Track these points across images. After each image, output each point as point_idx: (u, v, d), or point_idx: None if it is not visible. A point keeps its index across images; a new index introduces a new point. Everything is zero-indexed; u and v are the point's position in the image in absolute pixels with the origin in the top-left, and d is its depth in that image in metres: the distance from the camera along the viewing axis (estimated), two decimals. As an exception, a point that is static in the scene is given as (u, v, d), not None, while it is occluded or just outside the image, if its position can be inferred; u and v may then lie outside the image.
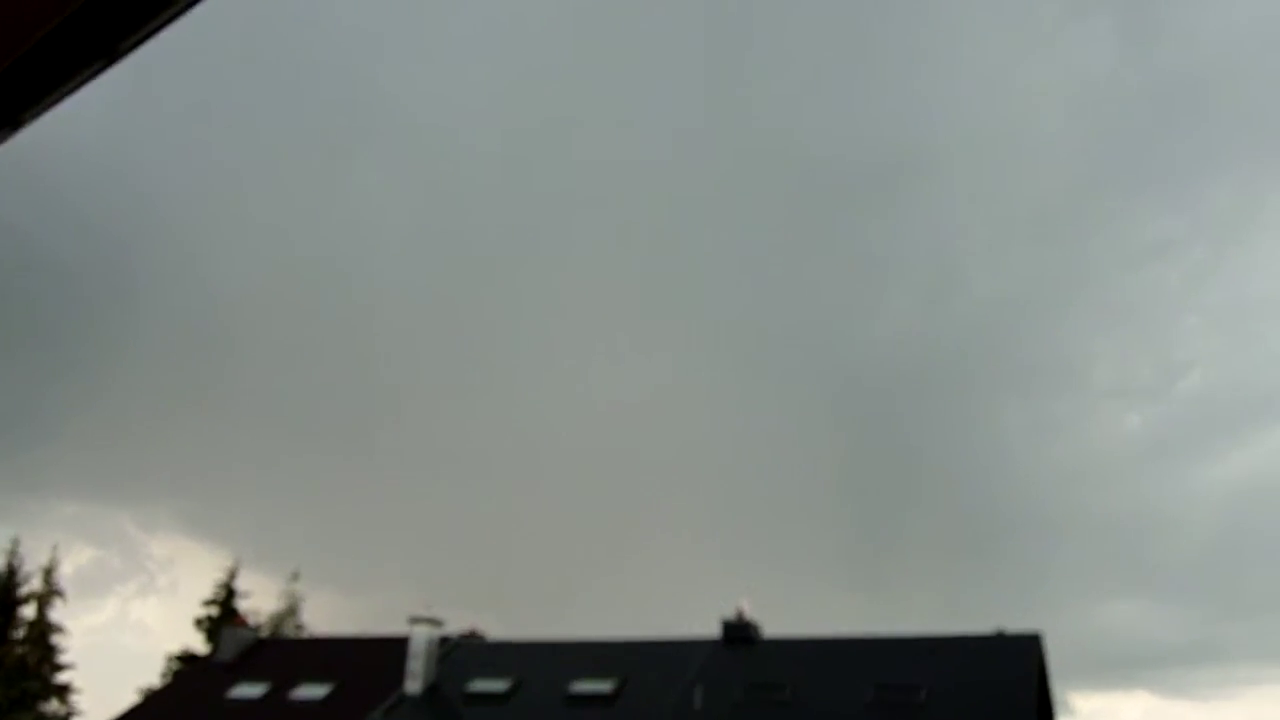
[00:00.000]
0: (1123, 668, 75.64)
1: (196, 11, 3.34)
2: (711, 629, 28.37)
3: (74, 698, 40.29)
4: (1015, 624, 25.62)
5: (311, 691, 28.88)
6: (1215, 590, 71.75)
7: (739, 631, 28.04)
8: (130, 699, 33.58)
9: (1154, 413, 75.25)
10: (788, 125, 71.30)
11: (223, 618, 39.04)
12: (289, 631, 41.75)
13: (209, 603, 41.68)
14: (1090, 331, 74.80)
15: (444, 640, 30.08)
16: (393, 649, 30.07)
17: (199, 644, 40.41)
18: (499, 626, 33.00)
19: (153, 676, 39.95)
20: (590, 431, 67.05)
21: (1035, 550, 69.70)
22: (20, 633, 40.18)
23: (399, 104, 68.20)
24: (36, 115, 3.63)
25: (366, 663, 30.14)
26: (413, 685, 28.30)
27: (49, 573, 41.30)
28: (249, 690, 29.51)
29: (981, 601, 64.68)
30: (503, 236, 69.43)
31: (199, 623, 41.16)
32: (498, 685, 27.63)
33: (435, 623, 29.48)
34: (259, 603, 42.72)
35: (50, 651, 40.30)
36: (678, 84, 70.64)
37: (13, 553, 40.87)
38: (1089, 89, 70.89)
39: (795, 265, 72.89)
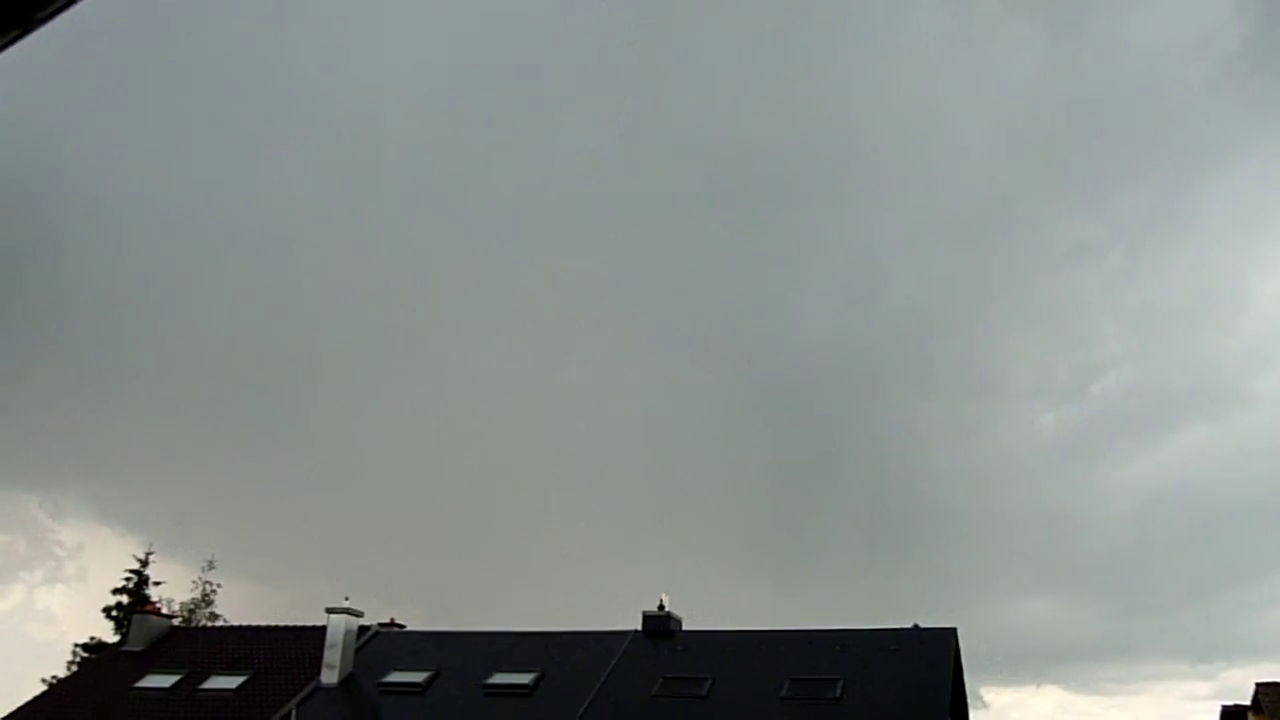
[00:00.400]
0: (1034, 663, 77.56)
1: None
2: (632, 622, 28.51)
3: (-25, 687, 39.11)
4: (931, 619, 26.11)
5: (225, 682, 28.37)
6: (1124, 588, 73.92)
7: (658, 624, 28.18)
8: (35, 689, 32.68)
9: (1069, 414, 77.25)
10: (716, 121, 71.77)
11: (133, 606, 38.13)
12: (203, 621, 40.97)
13: (119, 591, 40.68)
14: (1008, 333, 76.54)
15: (362, 630, 29.79)
16: (309, 639, 29.69)
17: (108, 633, 39.46)
18: (419, 618, 32.83)
19: (59, 666, 38.96)
20: (514, 426, 66.85)
21: (951, 547, 71.12)
22: (-81, 620, 38.88)
23: (327, 89, 67.27)
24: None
25: (282, 653, 29.71)
26: (329, 676, 27.98)
27: (-49, 558, 40.03)
28: (159, 680, 28.88)
29: (898, 597, 65.92)
30: (427, 229, 68.86)
31: (108, 611, 40.16)
32: (415, 676, 27.41)
33: (353, 613, 29.19)
34: (172, 592, 41.84)
35: (-49, 639, 39.09)
36: (605, 78, 70.65)
37: (-88, 537, 39.55)
38: (1014, 93, 72.46)
39: (721, 261, 73.46)
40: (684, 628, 28.52)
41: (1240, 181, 73.56)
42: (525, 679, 26.35)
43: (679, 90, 71.79)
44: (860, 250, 74.78)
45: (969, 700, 26.63)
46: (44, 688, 33.09)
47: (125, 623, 36.83)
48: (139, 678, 29.20)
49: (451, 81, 68.95)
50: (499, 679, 26.61)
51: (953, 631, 25.49)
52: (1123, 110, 75.37)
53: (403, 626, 31.37)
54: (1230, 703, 26.41)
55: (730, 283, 73.46)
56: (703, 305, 72.61)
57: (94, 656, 37.23)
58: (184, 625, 37.25)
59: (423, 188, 69.06)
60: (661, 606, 28.47)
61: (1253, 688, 25.07)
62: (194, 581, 42.63)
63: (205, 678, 28.74)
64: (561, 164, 70.31)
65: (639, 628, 28.27)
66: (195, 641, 31.94)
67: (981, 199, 74.22)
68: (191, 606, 41.81)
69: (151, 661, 30.13)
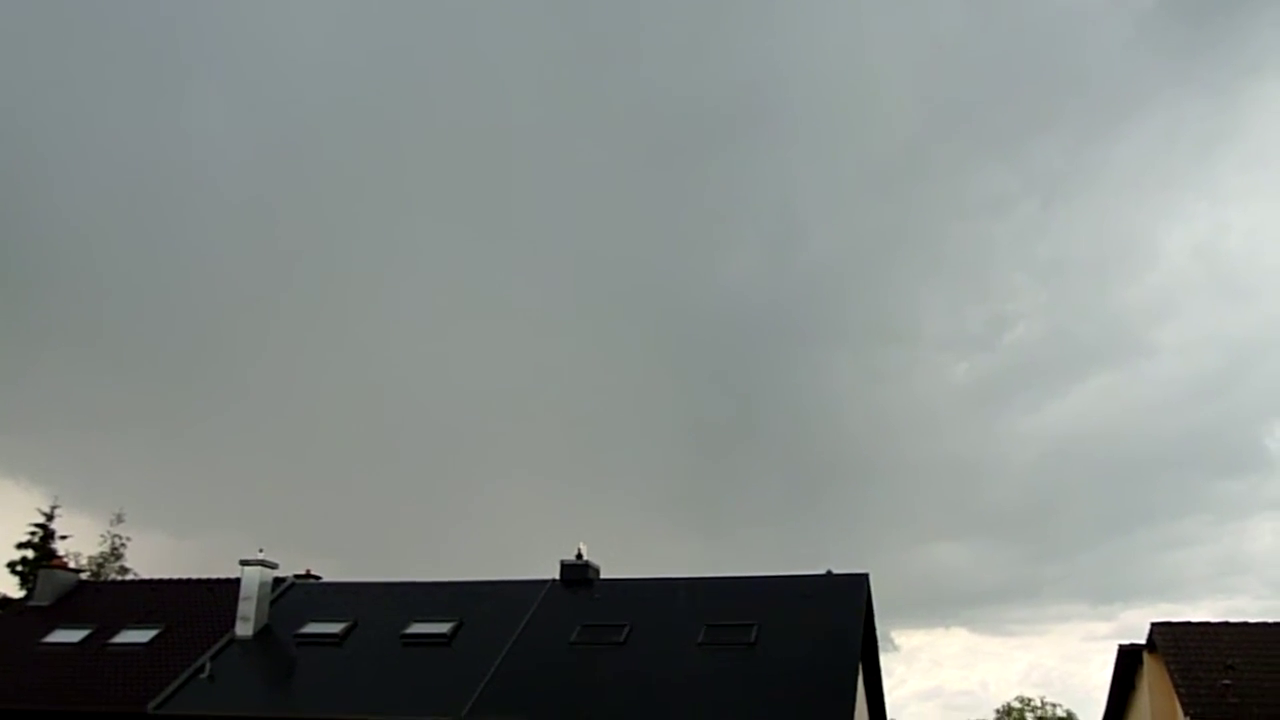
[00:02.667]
0: (943, 606, 79.90)
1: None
2: (551, 572, 28.62)
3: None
4: (844, 565, 26.63)
5: (136, 636, 27.90)
6: (1030, 533, 76.30)
7: (577, 573, 28.34)
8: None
9: (981, 363, 79.05)
10: (638, 74, 71.28)
11: (39, 561, 37.24)
12: (112, 575, 40.20)
13: (24, 545, 39.65)
14: (922, 284, 77.83)
15: (277, 582, 29.48)
16: (223, 592, 29.34)
17: (13, 588, 38.49)
18: (335, 570, 32.56)
19: (-39, 623, 37.94)
20: (433, 378, 66.30)
21: (865, 495, 72.61)
22: None
23: (245, 31, 65.33)
24: None
25: (195, 606, 29.31)
26: (244, 628, 27.69)
27: None
28: (67, 635, 28.30)
29: (814, 544, 67.24)
30: (346, 176, 67.51)
31: (12, 566, 39.15)
32: (332, 627, 27.25)
33: (268, 565, 28.86)
34: (79, 546, 40.97)
35: None
36: (526, 28, 69.60)
37: None
38: (936, 44, 73.07)
39: (644, 214, 73.33)
40: (602, 576, 28.73)
41: (1150, 135, 75.45)
42: (443, 629, 26.35)
43: (605, 43, 71.11)
44: (780, 202, 75.26)
45: (880, 643, 27.30)
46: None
47: (31, 578, 35.99)
48: (46, 633, 28.58)
49: (375, 25, 67.40)
50: (416, 629, 26.57)
51: (864, 577, 26.02)
52: (1040, 63, 76.57)
53: (319, 578, 31.13)
54: (1127, 642, 27.35)
55: (653, 236, 73.46)
56: (624, 258, 72.52)
57: (-2, 612, 36.37)
58: (93, 580, 36.53)
59: (344, 132, 67.64)
60: (579, 555, 28.62)
61: (1148, 627, 26.01)
62: (102, 535, 41.86)
63: (115, 632, 28.23)
64: (487, 114, 69.37)
65: (557, 577, 28.42)
66: (104, 596, 31.31)
67: (899, 150, 75.08)
68: (100, 560, 41.02)
69: (59, 616, 29.49)
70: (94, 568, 40.37)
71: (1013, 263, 79.98)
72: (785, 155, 74.79)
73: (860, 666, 24.03)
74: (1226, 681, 22.97)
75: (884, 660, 27.54)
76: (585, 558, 28.61)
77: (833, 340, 76.67)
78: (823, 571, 26.55)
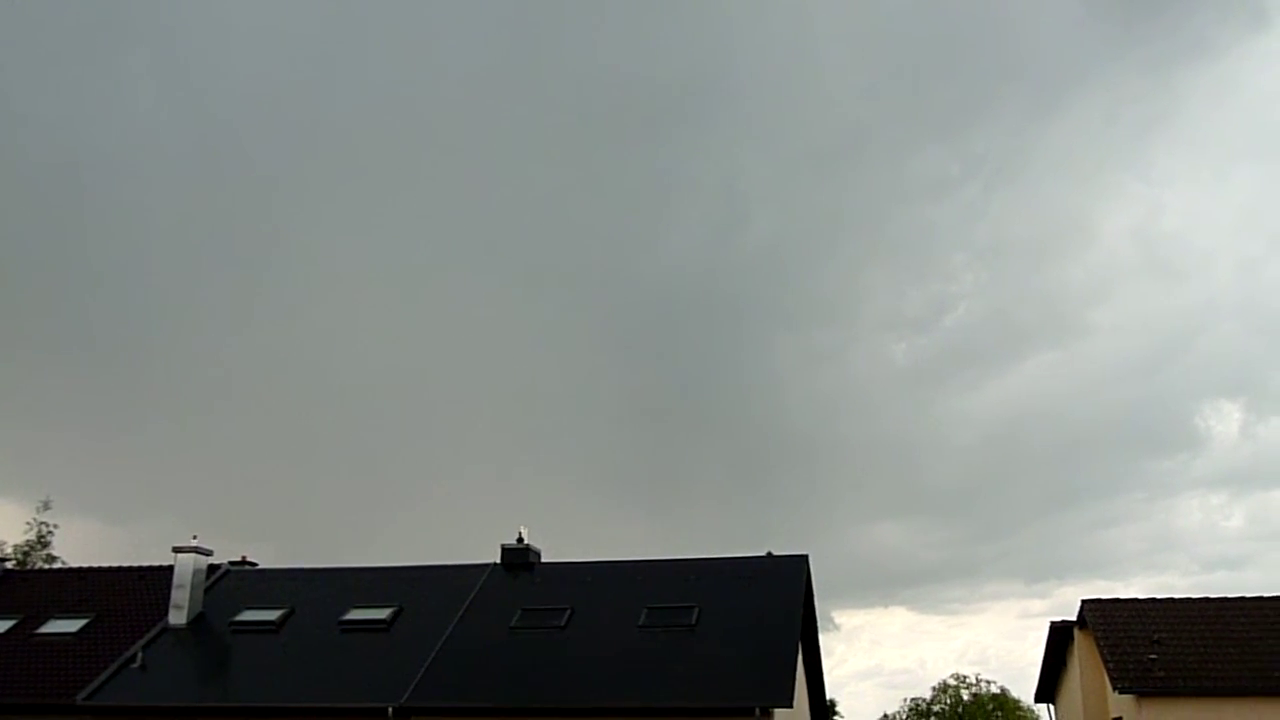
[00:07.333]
0: (882, 586, 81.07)
1: None
2: (492, 556, 28.48)
3: None
4: (785, 546, 26.83)
5: (64, 625, 27.28)
6: (968, 513, 77.58)
7: (518, 557, 28.23)
8: None
9: (920, 344, 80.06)
10: (583, 48, 70.86)
11: (-39, 550, 36.32)
12: (39, 564, 39.28)
13: (-55, 534, 38.63)
14: (863, 265, 78.60)
15: (212, 569, 29.00)
16: (156, 580, 28.81)
17: (-65, 578, 37.44)
18: (272, 556, 32.15)
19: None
20: (372, 359, 65.58)
21: (805, 476, 73.27)
22: None
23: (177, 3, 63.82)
24: None
25: (127, 594, 28.74)
26: (177, 616, 27.21)
27: None
28: (-8, 626, 27.63)
29: (756, 525, 67.77)
30: (287, 157, 66.38)
31: (-67, 556, 38.13)
32: (268, 614, 26.87)
33: (202, 552, 28.37)
34: (4, 533, 40.02)
35: None
36: (472, 5, 68.83)
37: None
38: (880, 27, 73.50)
39: (590, 193, 73.08)
40: (543, 560, 28.65)
41: (1088, 116, 76.71)
42: (382, 614, 26.12)
43: (552, 19, 70.53)
44: (723, 182, 75.47)
45: (820, 623, 27.57)
46: None
47: (-48, 567, 35.00)
48: (-31, 624, 27.86)
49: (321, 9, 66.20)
50: (355, 615, 26.30)
51: (804, 559, 26.24)
52: (980, 45, 77.50)
53: (254, 565, 30.68)
54: (1059, 619, 27.94)
55: (598, 215, 73.30)
56: (569, 238, 72.29)
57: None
58: (18, 568, 35.66)
59: (288, 116, 66.43)
60: (520, 539, 28.50)
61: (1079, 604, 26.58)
62: (29, 522, 40.87)
63: (43, 622, 27.57)
64: (432, 87, 68.56)
65: (498, 561, 28.29)
66: (31, 585, 30.55)
67: (843, 132, 75.60)
68: (26, 548, 40.06)
69: (-18, 606, 28.77)
70: (20, 556, 39.42)
71: (952, 244, 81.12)
72: (729, 136, 74.98)
73: (800, 647, 24.25)
74: (1153, 656, 23.57)
75: (824, 640, 27.87)
76: (526, 541, 28.51)
77: (774, 320, 77.21)
78: (763, 553, 26.74)
